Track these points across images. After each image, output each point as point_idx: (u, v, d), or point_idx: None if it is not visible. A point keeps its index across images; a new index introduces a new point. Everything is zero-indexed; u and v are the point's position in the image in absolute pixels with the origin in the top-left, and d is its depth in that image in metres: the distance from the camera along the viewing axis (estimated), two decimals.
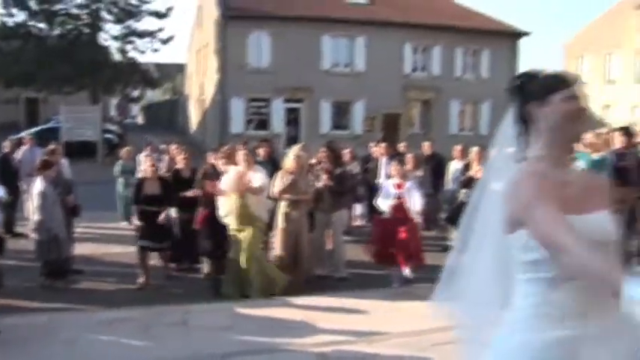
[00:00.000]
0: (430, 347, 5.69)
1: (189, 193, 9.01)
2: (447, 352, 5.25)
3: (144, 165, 9.52)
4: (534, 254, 2.22)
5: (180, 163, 9.89)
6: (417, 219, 8.61)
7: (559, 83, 2.32)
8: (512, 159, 2.44)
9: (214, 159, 9.55)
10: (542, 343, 2.23)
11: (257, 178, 8.10)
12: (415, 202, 8.48)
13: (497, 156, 2.60)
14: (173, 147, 12.35)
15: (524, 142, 2.41)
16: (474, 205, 2.58)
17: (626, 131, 8.79)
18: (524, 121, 2.39)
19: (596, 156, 8.55)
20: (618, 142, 8.63)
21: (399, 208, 8.45)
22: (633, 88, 36.78)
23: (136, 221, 8.72)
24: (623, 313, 2.30)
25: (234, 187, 7.97)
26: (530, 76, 2.41)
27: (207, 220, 8.65)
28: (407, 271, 8.54)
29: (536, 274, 2.26)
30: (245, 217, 8.02)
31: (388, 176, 9.98)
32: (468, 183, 9.55)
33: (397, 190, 8.51)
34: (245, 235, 7.99)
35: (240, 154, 8.35)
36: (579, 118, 2.30)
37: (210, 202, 8.47)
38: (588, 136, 8.39)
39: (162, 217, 8.60)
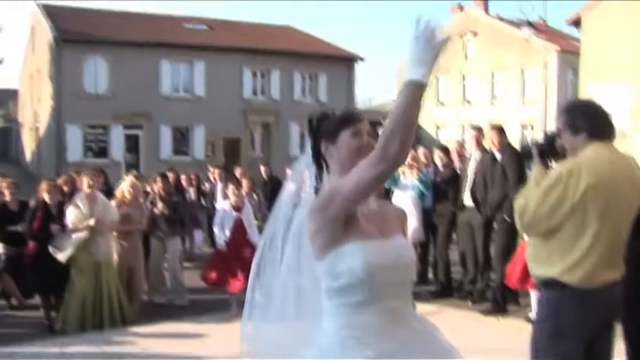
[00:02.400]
0: None
1: (18, 228, 8.64)
2: None
3: None
4: (343, 279, 2.30)
5: (7, 195, 9.45)
6: (256, 242, 8.76)
7: (345, 122, 2.48)
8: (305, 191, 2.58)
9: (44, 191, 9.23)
10: None
11: (113, 208, 8.09)
12: (252, 228, 8.69)
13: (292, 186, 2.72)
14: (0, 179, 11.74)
15: (319, 176, 2.54)
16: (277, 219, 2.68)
17: (444, 149, 9.49)
18: (319, 157, 2.53)
19: (420, 173, 9.16)
20: (438, 158, 9.29)
21: (238, 232, 8.59)
22: (461, 110, 39.33)
23: None
24: (423, 323, 2.54)
25: (88, 213, 7.79)
26: (323, 116, 2.58)
27: (37, 254, 8.33)
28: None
29: (344, 299, 2.33)
30: (93, 248, 7.88)
31: (225, 198, 10.09)
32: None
33: (235, 213, 8.65)
34: (94, 267, 7.86)
35: (85, 180, 8.14)
36: (366, 152, 2.35)
37: (39, 234, 8.18)
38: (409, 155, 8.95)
39: None
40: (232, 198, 8.77)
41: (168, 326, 7.74)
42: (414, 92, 2.13)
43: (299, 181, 2.69)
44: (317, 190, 2.51)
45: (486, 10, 40.38)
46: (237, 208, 8.68)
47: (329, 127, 2.51)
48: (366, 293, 2.30)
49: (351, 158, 2.40)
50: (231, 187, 9.00)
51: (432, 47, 2.13)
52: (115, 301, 8.00)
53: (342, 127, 2.47)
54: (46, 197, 8.25)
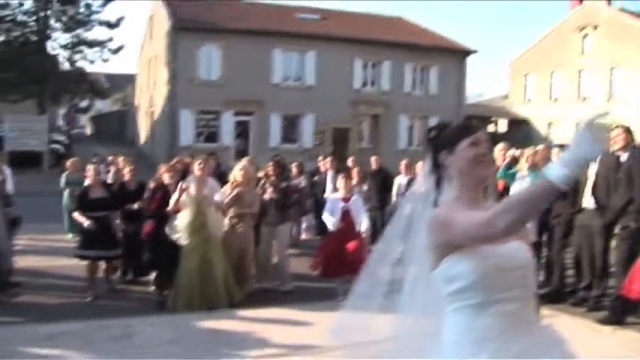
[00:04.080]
0: (370, 358, 5.78)
1: (135, 206, 9.00)
2: None
3: (88, 173, 9.44)
4: (458, 283, 2.36)
5: (126, 175, 9.84)
6: (364, 233, 8.71)
7: (464, 131, 2.52)
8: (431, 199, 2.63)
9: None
10: None
11: (218, 193, 8.17)
12: (361, 217, 8.60)
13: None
14: (120, 159, 12.26)
15: (438, 188, 2.59)
16: (410, 219, 2.74)
17: (563, 147, 9.08)
18: (438, 169, 2.59)
19: (537, 171, 8.82)
20: (556, 158, 8.90)
21: (346, 222, 8.55)
22: (576, 106, 37.84)
23: (87, 223, 8.54)
24: (546, 330, 2.48)
25: (195, 196, 7.99)
26: (441, 128, 2.64)
27: (154, 233, 8.61)
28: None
29: (461, 303, 2.39)
30: (202, 229, 8.05)
31: (335, 190, 10.09)
32: None
33: (344, 203, 8.62)
34: (203, 247, 8.02)
35: (196, 164, 8.37)
36: (483, 162, 2.48)
37: (157, 214, 8.45)
38: (527, 152, 8.68)
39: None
40: (341, 189, 8.76)
41: (275, 312, 7.81)
42: (545, 190, 2.09)
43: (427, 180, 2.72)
44: (436, 201, 2.57)
45: (609, 2, 38.59)
46: (346, 199, 8.65)
47: (447, 137, 2.56)
48: (481, 296, 2.34)
49: (470, 167, 2.48)
50: (340, 178, 8.98)
51: (585, 157, 2.05)
52: (222, 282, 8.16)
53: (460, 136, 2.51)
54: (165, 179, 8.52)
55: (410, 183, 10.24)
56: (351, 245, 8.37)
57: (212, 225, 8.20)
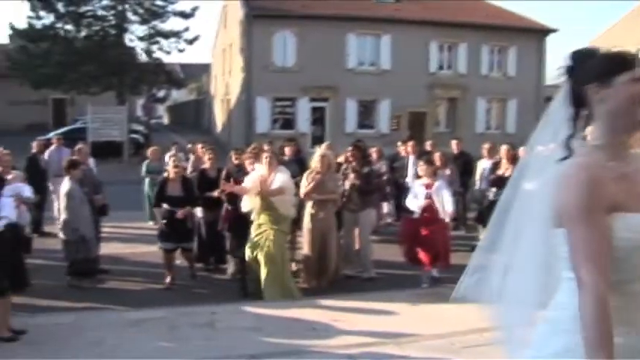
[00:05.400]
0: (462, 350, 5.57)
1: (215, 194, 8.96)
2: (479, 354, 5.14)
3: (168, 165, 9.48)
4: None
5: (206, 163, 9.86)
6: (447, 219, 8.47)
7: (623, 64, 2.12)
8: (551, 158, 2.22)
9: (237, 159, 9.49)
10: None
11: (277, 179, 7.96)
12: (445, 202, 8.34)
13: (534, 155, 2.41)
14: (199, 147, 12.35)
15: (576, 128, 2.19)
16: (506, 204, 2.40)
17: None
18: (578, 105, 2.19)
19: None
20: None
21: (429, 209, 8.32)
22: None
23: (161, 220, 8.67)
24: None
25: (256, 189, 7.87)
26: (586, 55, 2.23)
27: (232, 220, 8.59)
28: (434, 272, 8.42)
29: None
30: (268, 217, 7.93)
31: (416, 175, 9.84)
32: (498, 182, 9.36)
33: (426, 190, 8.38)
34: (265, 238, 7.88)
35: (263, 157, 8.24)
36: None
37: (234, 201, 8.41)
38: None
39: (180, 213, 8.50)
40: (424, 174, 8.50)
41: (359, 299, 7.65)
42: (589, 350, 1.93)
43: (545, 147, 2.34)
44: (569, 145, 2.15)
45: None
46: (429, 185, 8.41)
47: (600, 67, 2.14)
48: (612, 271, 1.99)
49: (627, 108, 2.07)
50: (421, 164, 8.71)
51: None
52: (289, 279, 8.04)
53: (618, 69, 2.09)
54: (246, 165, 8.49)
55: (495, 167, 9.89)
56: (433, 232, 8.15)
57: (280, 210, 7.97)
